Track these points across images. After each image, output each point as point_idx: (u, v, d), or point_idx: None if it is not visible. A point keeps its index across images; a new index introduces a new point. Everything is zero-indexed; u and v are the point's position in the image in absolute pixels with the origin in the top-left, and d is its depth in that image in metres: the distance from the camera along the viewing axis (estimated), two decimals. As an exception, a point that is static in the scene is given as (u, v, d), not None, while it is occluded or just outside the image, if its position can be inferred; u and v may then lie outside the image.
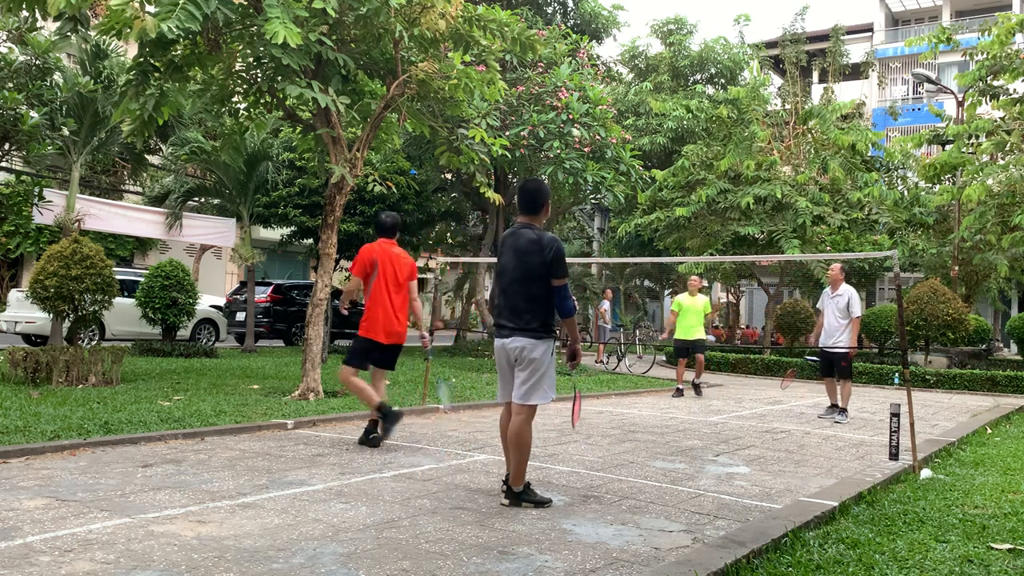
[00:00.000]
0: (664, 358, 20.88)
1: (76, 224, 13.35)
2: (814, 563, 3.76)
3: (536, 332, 4.72)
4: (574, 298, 4.90)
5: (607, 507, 4.79)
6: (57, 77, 13.16)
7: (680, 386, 12.33)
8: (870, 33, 38.59)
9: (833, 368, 9.78)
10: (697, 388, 12.25)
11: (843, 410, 9.65)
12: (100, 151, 14.38)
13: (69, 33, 8.20)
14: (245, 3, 8.26)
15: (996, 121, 16.62)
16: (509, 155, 14.62)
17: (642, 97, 25.42)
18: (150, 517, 4.17)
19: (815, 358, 16.59)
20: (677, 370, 12.60)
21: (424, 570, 3.49)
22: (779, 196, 17.79)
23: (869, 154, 20.32)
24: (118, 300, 12.01)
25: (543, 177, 17.69)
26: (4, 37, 13.01)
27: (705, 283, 32.84)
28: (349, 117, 9.79)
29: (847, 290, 9.62)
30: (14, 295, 15.92)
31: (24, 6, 7.78)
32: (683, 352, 12.38)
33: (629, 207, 21.59)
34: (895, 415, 6.77)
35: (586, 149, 15.50)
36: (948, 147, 17.67)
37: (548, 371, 4.76)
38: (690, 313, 12.14)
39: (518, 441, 4.72)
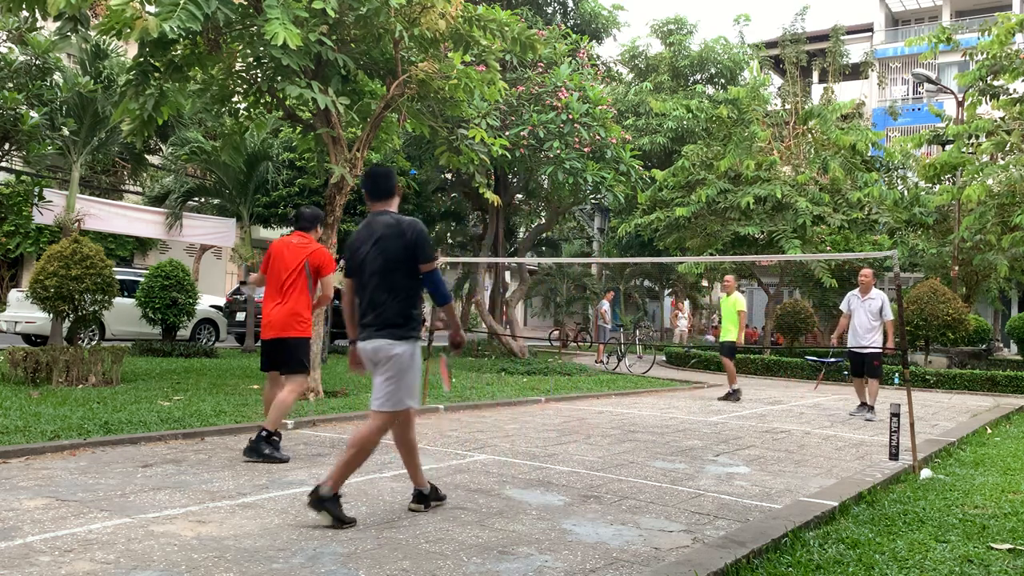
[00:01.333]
0: (664, 358, 20.88)
1: (76, 224, 13.35)
2: (814, 563, 3.76)
3: (396, 330, 4.21)
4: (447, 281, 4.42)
5: (607, 507, 4.78)
6: (57, 77, 13.16)
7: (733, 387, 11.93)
8: (870, 33, 38.60)
9: (864, 368, 10.03)
10: (728, 395, 11.72)
11: (870, 407, 9.98)
12: (100, 151, 14.39)
13: (69, 33, 8.20)
14: (245, 3, 8.26)
15: (996, 121, 16.63)
16: (509, 155, 14.62)
17: (642, 97, 25.42)
18: (150, 517, 4.17)
19: (815, 358, 16.75)
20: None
21: (424, 570, 3.49)
22: (779, 196, 17.79)
23: (869, 154, 20.33)
24: (118, 300, 12.00)
25: (543, 177, 17.71)
26: (4, 37, 13.02)
27: (705, 283, 32.91)
28: (349, 117, 9.79)
29: (879, 295, 9.90)
30: (14, 295, 15.91)
31: (24, 6, 7.78)
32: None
33: (629, 207, 21.59)
34: (895, 415, 6.77)
35: (586, 149, 15.50)
36: (948, 147, 17.68)
37: (409, 375, 4.23)
38: (724, 312, 11.87)
39: (360, 444, 4.17)
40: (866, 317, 9.82)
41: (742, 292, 12.48)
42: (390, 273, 4.25)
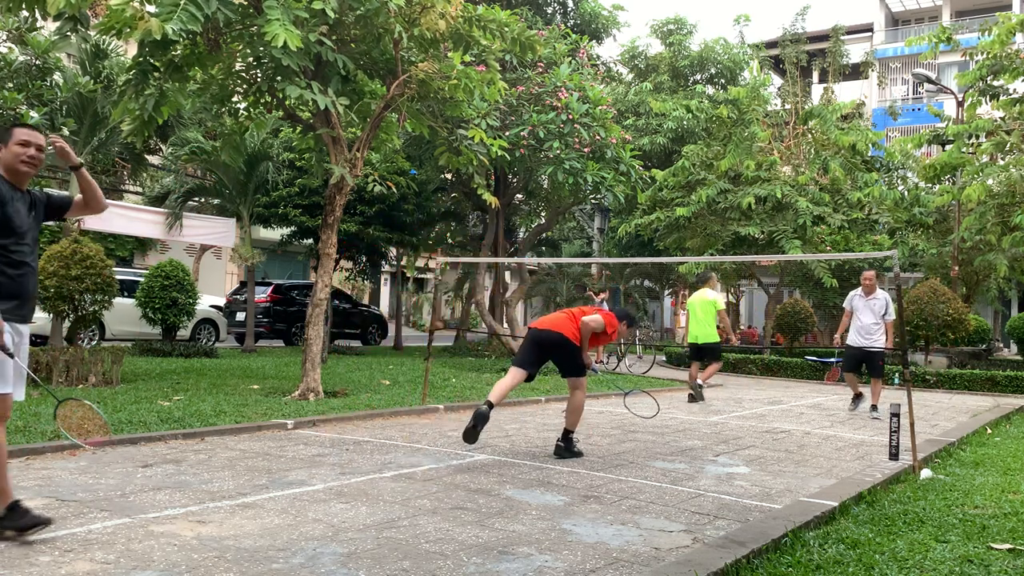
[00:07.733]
0: (664, 358, 20.89)
1: (76, 224, 13.34)
2: (814, 563, 3.76)
3: None
4: None
5: (607, 507, 4.79)
6: (57, 77, 13.16)
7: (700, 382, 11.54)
8: (870, 33, 38.60)
9: (861, 364, 10.34)
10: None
11: (874, 406, 10.11)
12: (100, 151, 14.37)
13: (69, 33, 8.20)
14: (245, 3, 8.26)
15: (996, 121, 16.62)
16: (508, 156, 14.62)
17: (642, 97, 25.41)
18: (150, 517, 4.17)
19: (815, 358, 16.75)
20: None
21: (424, 570, 3.49)
22: (779, 196, 17.79)
23: (869, 154, 20.34)
24: (118, 300, 11.99)
25: (543, 177, 17.70)
26: (4, 37, 13.02)
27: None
28: (349, 117, 9.80)
29: (882, 295, 10.16)
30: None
31: (24, 6, 7.77)
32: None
33: (629, 207, 21.58)
34: (895, 415, 6.77)
35: (586, 149, 15.50)
36: (948, 147, 17.67)
37: None
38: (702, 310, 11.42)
39: None
40: (871, 316, 10.02)
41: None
42: None
